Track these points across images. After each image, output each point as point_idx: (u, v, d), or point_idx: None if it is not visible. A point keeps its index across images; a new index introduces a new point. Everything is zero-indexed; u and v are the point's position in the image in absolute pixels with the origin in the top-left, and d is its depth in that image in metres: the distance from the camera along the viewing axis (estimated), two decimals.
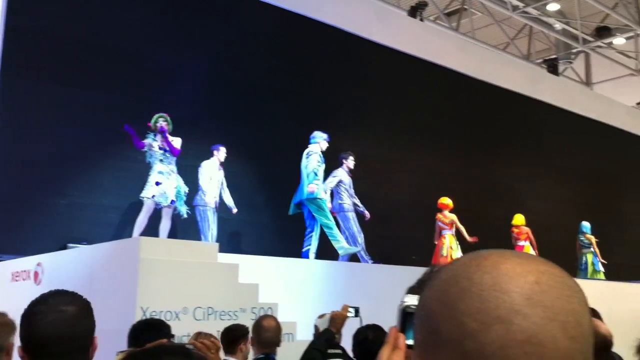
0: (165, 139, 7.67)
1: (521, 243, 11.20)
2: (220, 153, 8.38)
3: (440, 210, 10.13)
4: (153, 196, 7.60)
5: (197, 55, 9.12)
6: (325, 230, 8.67)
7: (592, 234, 12.59)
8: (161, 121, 7.75)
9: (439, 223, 10.12)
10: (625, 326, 4.47)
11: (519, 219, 11.26)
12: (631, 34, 17.53)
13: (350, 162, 9.22)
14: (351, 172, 9.23)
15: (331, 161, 9.14)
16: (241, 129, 9.08)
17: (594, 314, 4.38)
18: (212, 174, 8.27)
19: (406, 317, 0.79)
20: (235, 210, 8.45)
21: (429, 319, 0.71)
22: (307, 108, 9.77)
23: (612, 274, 12.76)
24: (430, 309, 0.71)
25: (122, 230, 8.26)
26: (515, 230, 11.29)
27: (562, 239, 12.57)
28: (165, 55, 8.96)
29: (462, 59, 12.13)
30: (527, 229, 11.34)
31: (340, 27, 10.26)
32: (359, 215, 9.20)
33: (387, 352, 0.78)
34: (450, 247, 9.98)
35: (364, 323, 4.39)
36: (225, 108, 9.09)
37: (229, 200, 8.44)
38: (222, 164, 8.39)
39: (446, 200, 10.09)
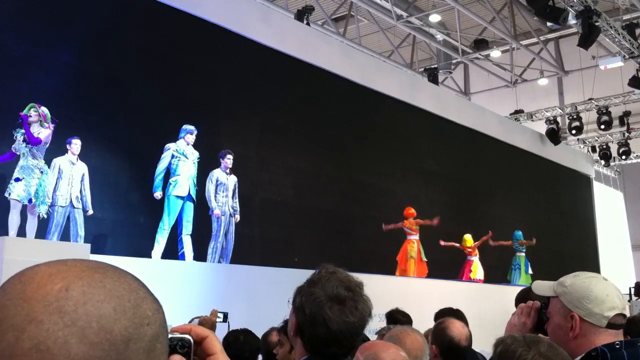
0: (24, 126, 6.97)
1: (472, 258, 12.90)
2: (74, 146, 7.70)
3: (406, 218, 11.58)
4: (10, 194, 7.00)
5: (58, 44, 8.45)
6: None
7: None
8: (32, 111, 7.05)
9: (406, 229, 11.58)
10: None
11: (469, 240, 12.86)
12: (506, 47, 18.51)
13: (227, 160, 9.00)
14: (230, 171, 9.06)
15: (208, 161, 9.01)
16: (114, 124, 8.71)
17: (457, 314, 4.49)
18: (66, 170, 7.65)
19: None
20: (90, 212, 7.80)
21: None
22: (185, 105, 9.58)
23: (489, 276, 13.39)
24: None
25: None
26: (468, 249, 12.86)
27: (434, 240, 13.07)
28: (22, 43, 8.24)
29: (346, 64, 12.32)
30: (475, 246, 12.95)
31: (222, 25, 10.12)
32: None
33: None
34: (419, 251, 11.41)
35: (242, 325, 4.39)
36: (96, 102, 8.62)
37: (87, 200, 7.78)
38: (78, 157, 7.74)
39: (411, 210, 11.58)
